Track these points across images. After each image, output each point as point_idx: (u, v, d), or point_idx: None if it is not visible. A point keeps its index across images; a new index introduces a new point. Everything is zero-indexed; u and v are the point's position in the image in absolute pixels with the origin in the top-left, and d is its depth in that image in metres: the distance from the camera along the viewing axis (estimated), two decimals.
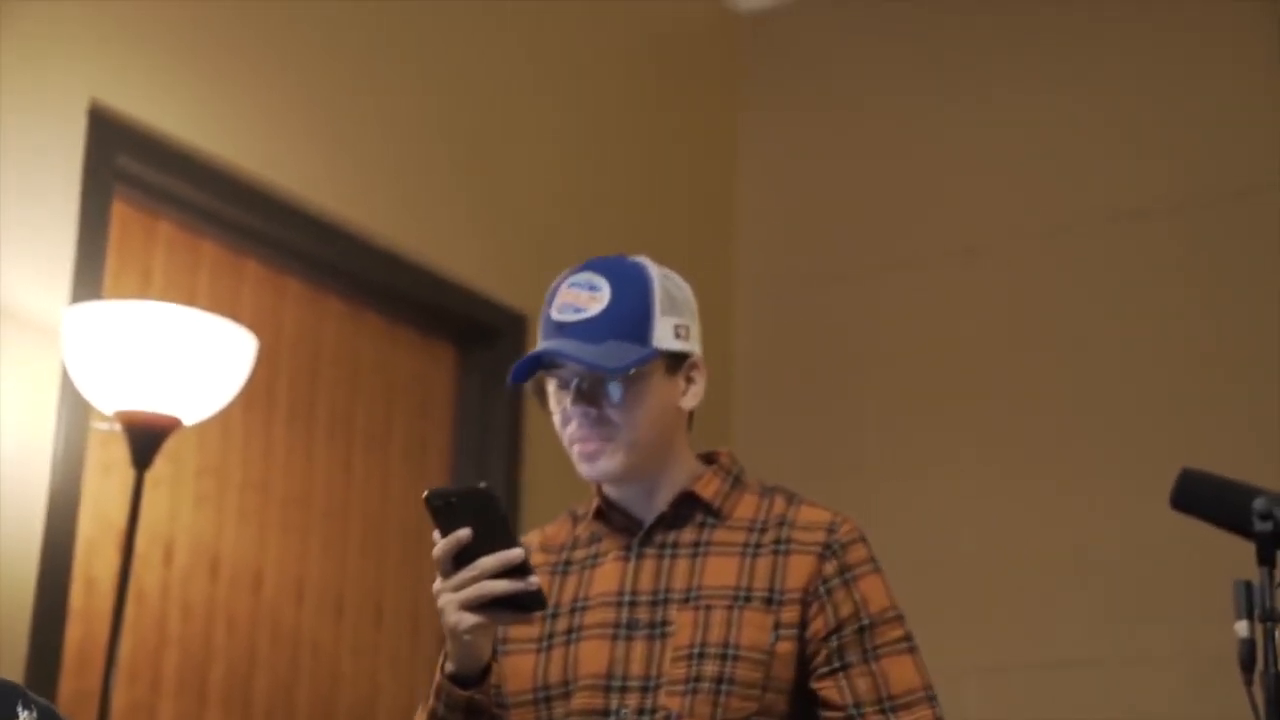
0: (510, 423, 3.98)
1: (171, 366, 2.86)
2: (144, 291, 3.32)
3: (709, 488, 2.12)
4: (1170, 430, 4.12)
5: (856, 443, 4.57)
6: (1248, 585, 2.01)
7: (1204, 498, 2.13)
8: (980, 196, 4.61)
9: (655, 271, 2.12)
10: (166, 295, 3.34)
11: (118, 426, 2.90)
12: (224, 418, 3.37)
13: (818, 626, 2.03)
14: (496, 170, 4.12)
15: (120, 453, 2.98)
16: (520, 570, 1.89)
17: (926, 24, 4.80)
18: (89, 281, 3.09)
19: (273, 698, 3.44)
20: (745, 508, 2.12)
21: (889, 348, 4.63)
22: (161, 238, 3.41)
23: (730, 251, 4.92)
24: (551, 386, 2.10)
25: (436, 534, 1.91)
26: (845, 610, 2.04)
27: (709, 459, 2.17)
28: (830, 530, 2.08)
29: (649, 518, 2.11)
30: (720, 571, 2.05)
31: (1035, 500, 4.27)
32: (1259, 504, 2.04)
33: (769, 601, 2.03)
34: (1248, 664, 1.97)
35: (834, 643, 2.03)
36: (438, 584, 1.91)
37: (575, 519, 2.19)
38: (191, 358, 2.88)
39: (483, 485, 1.92)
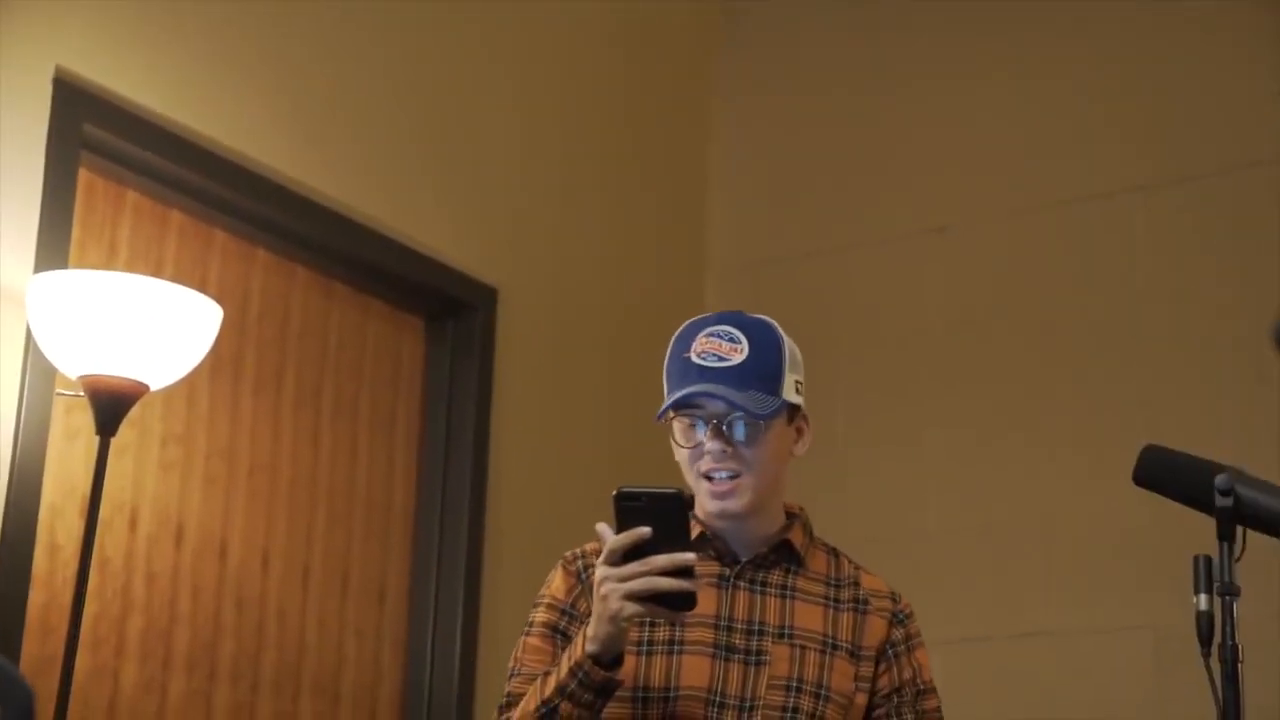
0: (479, 396, 3.98)
1: (137, 334, 2.85)
2: (110, 260, 3.31)
3: (798, 538, 2.37)
4: (1135, 407, 4.15)
5: (826, 417, 4.54)
6: (1207, 560, 2.04)
7: (1166, 473, 2.15)
8: (951, 176, 4.63)
9: (782, 332, 2.36)
10: (133, 264, 3.33)
11: (82, 393, 2.89)
12: (191, 386, 3.37)
13: (883, 683, 2.33)
14: (469, 145, 4.12)
15: (85, 419, 2.97)
16: (686, 573, 2.08)
17: (899, 5, 4.81)
18: (54, 250, 3.08)
19: (237, 665, 3.44)
20: (818, 562, 2.39)
21: (859, 325, 4.65)
22: (129, 206, 3.39)
23: (702, 228, 4.92)
24: (680, 426, 2.32)
25: (605, 527, 2.11)
26: (907, 674, 2.35)
27: (788, 511, 2.41)
28: (894, 600, 2.40)
29: (744, 553, 2.34)
30: (808, 616, 2.32)
31: (1001, 475, 4.30)
32: (1220, 480, 2.06)
33: (852, 654, 2.32)
34: (1206, 636, 1.99)
35: (894, 700, 2.33)
36: (604, 571, 2.10)
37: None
38: (157, 326, 2.87)
39: (673, 490, 2.10)
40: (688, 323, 2.35)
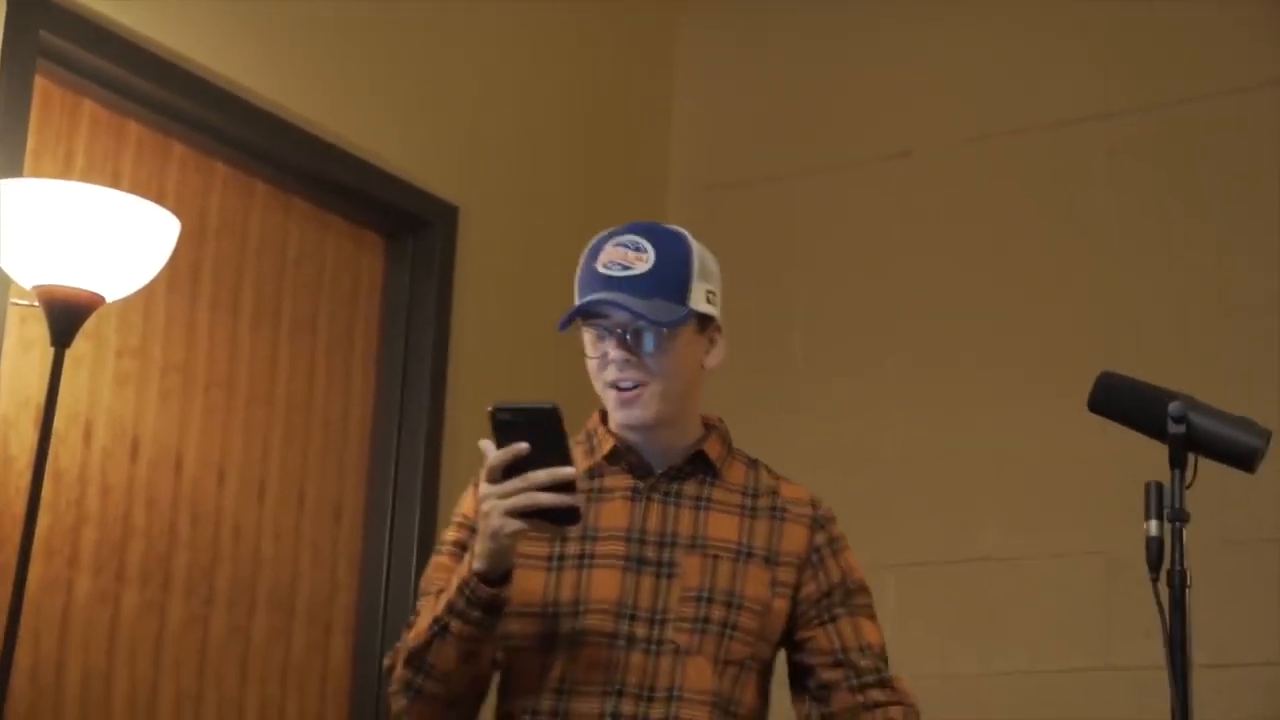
0: (438, 314, 3.97)
1: (93, 244, 2.83)
2: (67, 171, 3.28)
3: (714, 449, 2.36)
4: (1093, 335, 4.17)
5: (785, 343, 4.60)
6: (1158, 486, 2.06)
7: (1120, 400, 2.18)
8: (913, 101, 4.62)
9: (692, 240, 2.33)
10: (90, 175, 3.30)
11: (37, 303, 2.87)
12: (147, 300, 3.35)
13: (811, 589, 2.33)
14: (432, 62, 4.08)
15: (40, 330, 2.95)
16: (567, 487, 2.06)
17: None
18: (9, 159, 3.04)
19: (191, 577, 3.44)
20: (736, 473, 2.38)
21: (819, 249, 4.65)
22: (85, 116, 3.35)
23: (664, 152, 4.90)
24: (589, 335, 2.30)
25: (488, 443, 2.07)
26: (835, 576, 2.35)
27: (706, 423, 2.40)
28: (814, 506, 2.39)
29: (659, 465, 2.33)
30: (722, 526, 2.31)
31: (957, 401, 4.32)
32: (1173, 408, 2.09)
33: (768, 560, 2.30)
34: (1155, 562, 2.02)
35: (825, 602, 2.33)
36: (485, 489, 2.08)
37: (592, 453, 2.36)
38: (114, 237, 2.85)
39: (549, 405, 2.06)
40: (600, 235, 2.34)
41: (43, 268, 2.83)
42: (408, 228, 4.01)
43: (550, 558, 2.27)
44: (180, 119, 3.49)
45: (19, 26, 3.11)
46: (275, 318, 3.72)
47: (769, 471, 2.42)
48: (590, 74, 4.64)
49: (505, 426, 2.05)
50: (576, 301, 2.29)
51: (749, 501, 2.35)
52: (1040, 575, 4.09)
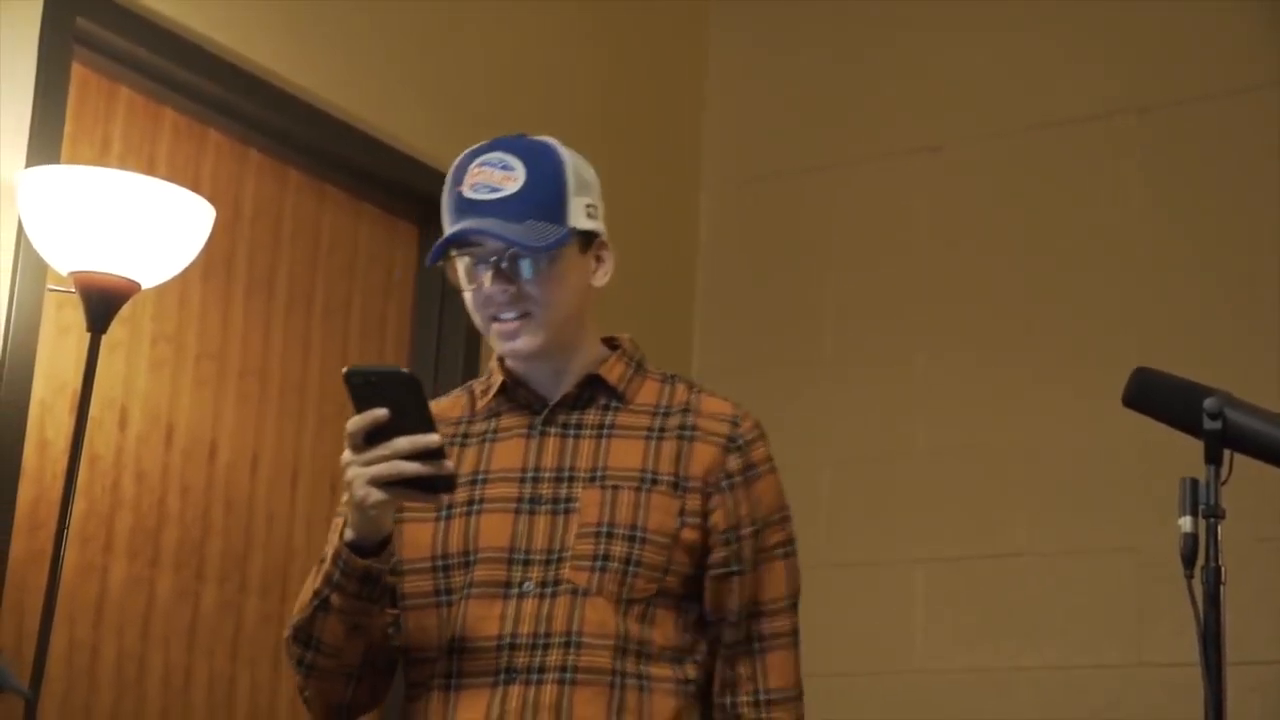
0: None
1: (130, 231, 2.84)
2: (103, 157, 3.29)
3: (613, 372, 2.16)
4: (1126, 330, 4.15)
5: (815, 334, 4.59)
6: (1193, 482, 2.05)
7: (1155, 396, 2.16)
8: (946, 95, 4.60)
9: (565, 152, 2.14)
10: (126, 161, 3.32)
11: (74, 289, 2.88)
12: (182, 287, 3.36)
13: (717, 519, 2.11)
14: (464, 52, 4.09)
15: (76, 316, 2.97)
16: (434, 454, 1.92)
17: None
18: (47, 145, 3.06)
19: (225, 564, 3.46)
20: (647, 393, 2.17)
21: (851, 243, 4.64)
22: (122, 103, 3.37)
23: (696, 144, 4.90)
24: (463, 266, 2.11)
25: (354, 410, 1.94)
26: (743, 510, 2.12)
27: (611, 344, 2.21)
28: (734, 424, 2.14)
29: (554, 396, 2.14)
30: (625, 453, 2.10)
31: (989, 395, 4.30)
32: (1209, 403, 2.07)
33: (675, 486, 2.09)
34: (1189, 558, 2.00)
35: (733, 544, 2.11)
36: (347, 456, 1.95)
37: (473, 394, 2.21)
38: (150, 224, 2.86)
39: (404, 370, 1.94)
40: (464, 153, 2.14)
41: (79, 254, 2.85)
42: (440, 216, 4.00)
43: (439, 509, 2.09)
44: (215, 106, 3.51)
45: (56, 14, 3.12)
46: (308, 305, 3.73)
47: (687, 386, 2.19)
48: (623, 65, 4.64)
49: (362, 390, 1.91)
50: (445, 230, 2.10)
51: (658, 422, 2.13)
52: (1072, 571, 4.07)
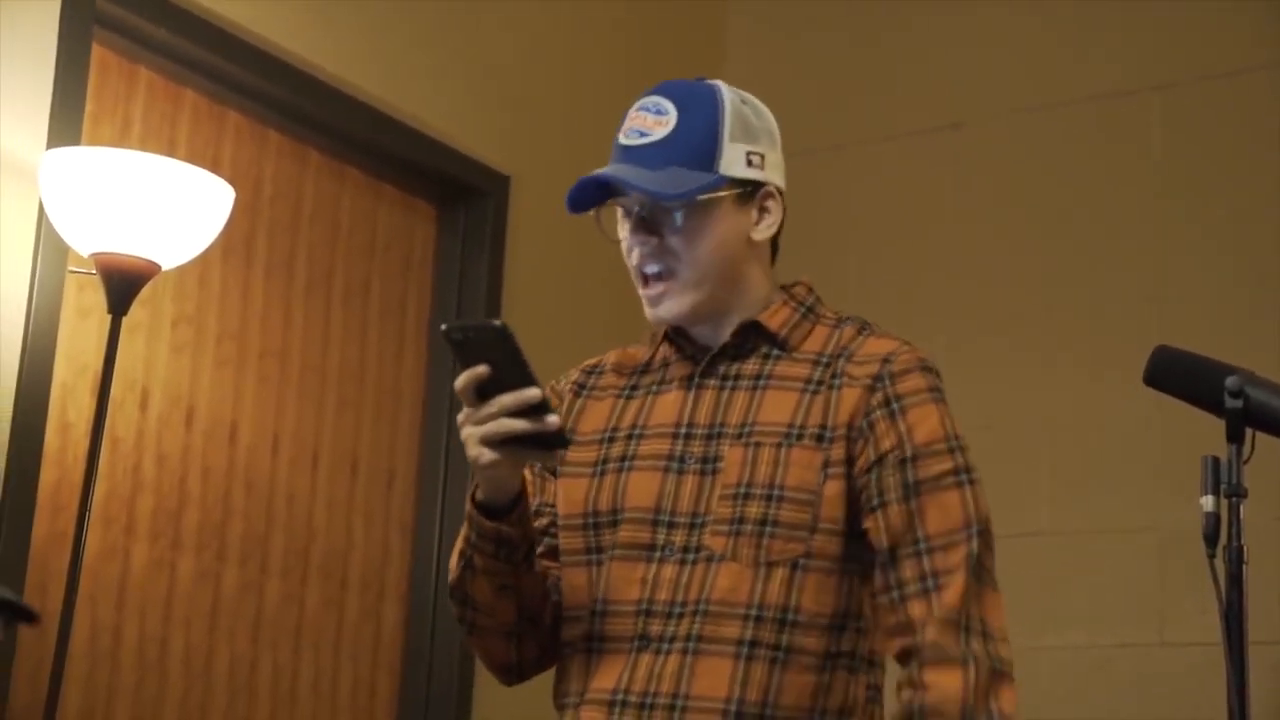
0: (490, 284, 3.98)
1: (150, 213, 2.85)
2: (124, 138, 3.30)
3: (776, 318, 2.02)
4: (1146, 308, 4.14)
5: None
6: (1215, 461, 2.04)
7: (1177, 374, 2.15)
8: (968, 71, 4.59)
9: (729, 95, 2.01)
10: (146, 143, 3.32)
11: (94, 271, 2.89)
12: (202, 269, 3.37)
13: (862, 462, 1.92)
14: (484, 32, 4.08)
15: (97, 297, 2.97)
16: (538, 409, 1.84)
17: None
18: (68, 125, 3.06)
19: (246, 546, 3.47)
20: (814, 340, 2.01)
21: (872, 221, 4.63)
22: (142, 84, 3.37)
23: None
24: (618, 215, 2.01)
25: (458, 368, 1.86)
26: (887, 442, 1.92)
27: (787, 290, 2.07)
28: (886, 361, 1.96)
29: (714, 347, 2.02)
30: (778, 407, 1.95)
31: (1011, 373, 4.29)
32: (1231, 382, 2.06)
33: (819, 439, 1.93)
34: (1212, 537, 2.00)
35: (874, 477, 1.92)
36: (462, 415, 1.86)
37: (655, 341, 2.10)
38: (170, 205, 2.87)
39: (498, 322, 1.84)
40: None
41: (100, 236, 2.85)
42: (460, 197, 4.01)
43: (595, 463, 2.00)
44: (235, 88, 3.51)
45: None
46: (328, 286, 3.74)
47: (857, 328, 2.02)
48: (642, 43, 4.63)
49: (462, 346, 1.85)
50: None
51: (818, 372, 1.97)
52: (1094, 550, 4.07)
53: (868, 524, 1.92)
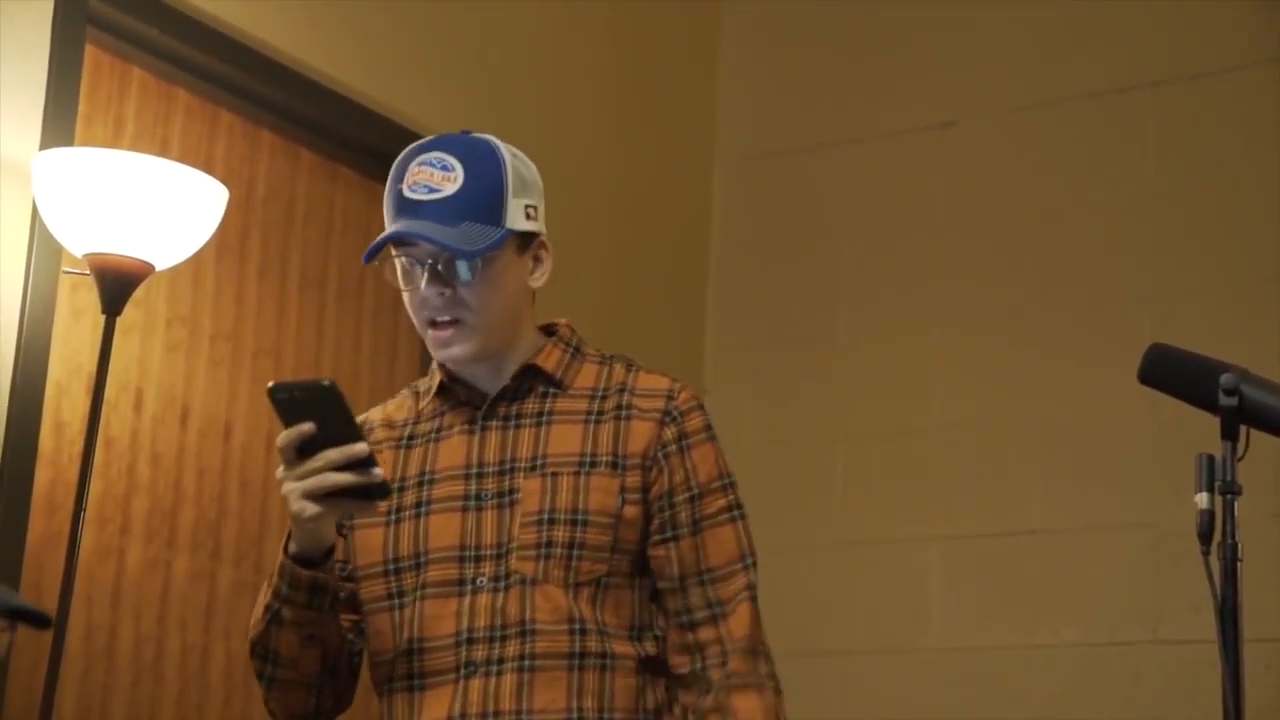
0: None
1: (143, 213, 2.84)
2: (116, 138, 3.30)
3: (550, 359, 2.17)
4: (1141, 306, 4.15)
5: (830, 311, 4.59)
6: (1210, 458, 2.04)
7: (1171, 372, 2.15)
8: (959, 70, 4.59)
9: (506, 152, 2.14)
10: (139, 142, 3.32)
11: (88, 271, 2.89)
12: (196, 269, 3.37)
13: (655, 491, 2.12)
14: (476, 31, 4.08)
15: (91, 298, 2.97)
16: (364, 464, 1.94)
17: None
18: (60, 125, 3.06)
19: (241, 546, 3.47)
20: (586, 377, 2.18)
21: (865, 219, 4.63)
22: (135, 84, 3.37)
23: (710, 121, 4.89)
24: (401, 264, 2.12)
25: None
26: (678, 477, 2.12)
27: (549, 331, 2.23)
28: (669, 397, 2.15)
29: (493, 392, 2.16)
30: (565, 439, 2.12)
31: (1005, 372, 4.30)
32: (1225, 379, 2.06)
33: (614, 466, 2.11)
34: (1206, 535, 2.00)
35: (666, 511, 2.12)
36: (280, 472, 1.96)
37: (417, 395, 2.24)
38: (164, 205, 2.86)
39: (326, 381, 1.94)
40: (407, 149, 2.15)
41: (94, 236, 2.85)
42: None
43: (389, 512, 2.12)
44: (228, 87, 3.51)
45: None
46: (322, 286, 3.74)
47: (625, 366, 2.20)
48: (635, 42, 4.63)
49: (287, 405, 1.94)
50: (386, 226, 2.10)
51: (596, 405, 2.14)
52: (1087, 548, 4.07)
53: (658, 551, 2.12)
